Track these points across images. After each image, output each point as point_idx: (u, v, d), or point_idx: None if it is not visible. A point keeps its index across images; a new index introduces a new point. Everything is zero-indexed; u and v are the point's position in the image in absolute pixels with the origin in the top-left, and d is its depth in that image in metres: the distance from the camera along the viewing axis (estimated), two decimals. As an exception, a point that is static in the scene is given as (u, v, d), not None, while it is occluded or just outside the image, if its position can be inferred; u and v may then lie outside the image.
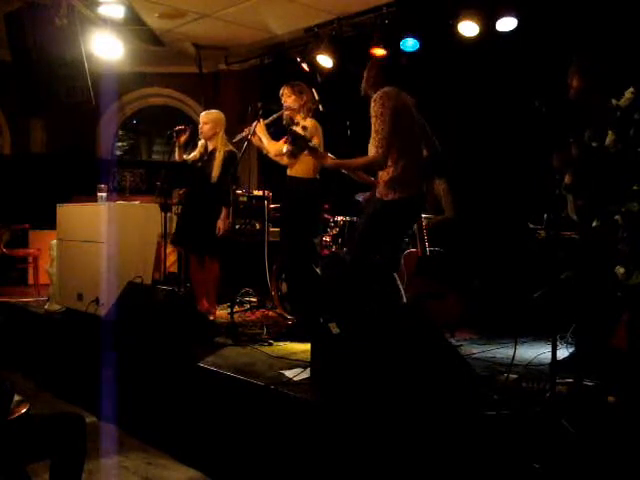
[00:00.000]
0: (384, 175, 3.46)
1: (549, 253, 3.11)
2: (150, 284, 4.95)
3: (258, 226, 5.51)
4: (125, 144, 9.51)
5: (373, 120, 3.42)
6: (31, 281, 7.18)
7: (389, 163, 3.44)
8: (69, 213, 5.47)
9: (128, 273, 4.70)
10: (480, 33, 5.54)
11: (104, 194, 5.22)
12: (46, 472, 2.26)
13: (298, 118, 4.40)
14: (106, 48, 6.44)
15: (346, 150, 3.79)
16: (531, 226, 3.90)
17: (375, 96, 3.45)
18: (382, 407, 2.64)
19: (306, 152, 3.80)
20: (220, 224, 4.73)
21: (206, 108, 5.55)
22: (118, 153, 9.26)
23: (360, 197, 5.03)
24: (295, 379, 3.23)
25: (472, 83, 5.55)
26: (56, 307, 5.40)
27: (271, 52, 7.53)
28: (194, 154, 4.99)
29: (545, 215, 3.07)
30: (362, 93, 3.66)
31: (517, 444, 2.36)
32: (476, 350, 4.07)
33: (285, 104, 4.44)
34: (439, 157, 3.78)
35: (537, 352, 3.90)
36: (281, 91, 4.49)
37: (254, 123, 4.46)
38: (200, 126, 4.91)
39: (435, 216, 5.14)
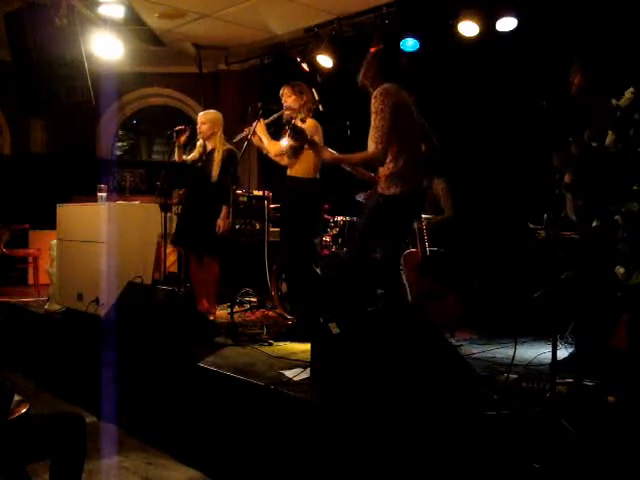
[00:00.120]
0: (384, 170, 3.47)
1: (549, 253, 3.11)
2: (150, 284, 4.95)
3: (258, 226, 5.51)
4: (125, 144, 9.51)
5: (373, 116, 3.43)
6: (31, 281, 7.18)
7: (389, 159, 3.45)
8: (69, 213, 5.47)
9: (128, 273, 4.70)
10: (480, 33, 5.54)
11: (104, 194, 5.22)
12: (46, 472, 2.26)
13: (298, 118, 4.40)
14: (106, 48, 6.44)
15: (346, 150, 3.78)
16: (531, 226, 3.90)
17: (375, 92, 3.46)
18: (382, 407, 2.64)
19: (306, 146, 3.80)
20: (220, 223, 4.73)
21: (206, 108, 5.56)
22: (118, 153, 9.26)
23: (360, 197, 5.04)
24: (295, 379, 3.23)
25: (472, 83, 5.55)
26: (56, 307, 5.40)
27: (271, 52, 7.53)
28: (193, 154, 4.99)
29: (545, 215, 3.07)
30: (359, 84, 3.66)
31: (517, 444, 2.36)
32: (476, 350, 4.07)
33: (285, 104, 4.44)
34: (437, 153, 3.78)
35: (537, 352, 3.90)
36: (281, 91, 4.49)
37: (254, 123, 4.46)
38: (198, 126, 4.91)
39: (435, 216, 5.14)
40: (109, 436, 3.78)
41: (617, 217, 2.82)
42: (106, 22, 6.38)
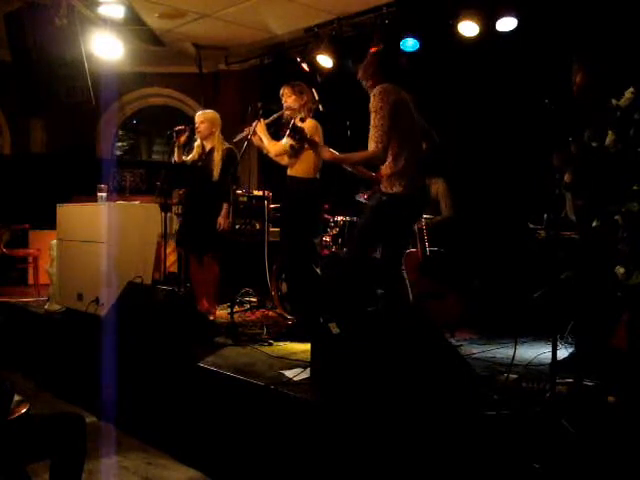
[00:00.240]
0: (385, 170, 3.47)
1: (549, 253, 3.11)
2: (150, 284, 4.95)
3: (258, 226, 5.51)
4: (125, 144, 9.51)
5: (372, 115, 3.43)
6: (31, 281, 7.18)
7: (389, 158, 3.45)
8: (69, 213, 5.47)
9: (128, 273, 4.70)
10: (480, 33, 5.54)
11: (104, 194, 5.22)
12: (46, 472, 2.26)
13: (298, 118, 4.40)
14: (106, 48, 6.44)
15: (346, 150, 3.78)
16: (531, 226, 3.90)
17: (374, 91, 3.46)
18: (382, 407, 2.64)
19: (306, 145, 3.80)
20: (221, 220, 4.75)
21: (206, 108, 5.55)
22: (118, 153, 9.26)
23: (361, 197, 5.04)
24: (295, 379, 3.23)
25: (472, 83, 5.55)
26: (56, 307, 5.40)
27: (271, 52, 7.53)
28: (192, 155, 4.99)
29: (545, 215, 3.07)
30: (358, 79, 3.67)
31: (517, 444, 2.36)
32: (476, 350, 4.07)
33: (285, 104, 4.44)
34: (438, 150, 3.78)
35: (537, 352, 3.90)
36: (281, 91, 4.49)
37: (254, 123, 4.46)
38: (196, 126, 4.91)
39: (434, 216, 5.14)
40: (109, 436, 3.78)
41: (617, 217, 2.82)
42: (106, 22, 6.38)
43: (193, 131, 4.96)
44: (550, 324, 2.86)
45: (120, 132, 9.25)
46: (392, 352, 2.82)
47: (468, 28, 5.56)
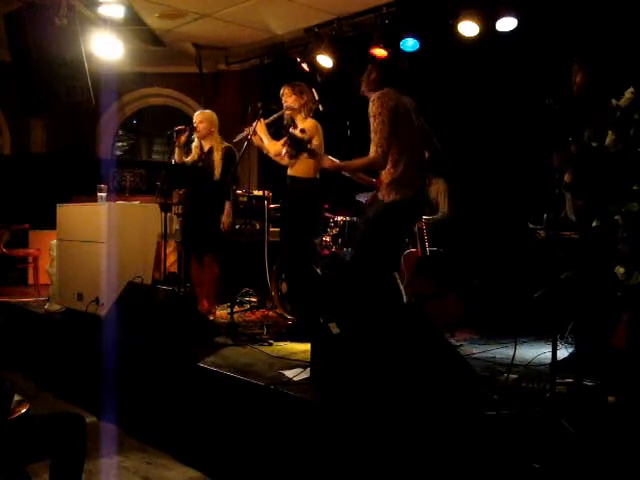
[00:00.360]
0: (385, 176, 3.46)
1: (549, 253, 3.11)
2: (150, 284, 4.95)
3: (258, 226, 5.51)
4: (125, 144, 9.51)
5: (371, 120, 3.42)
6: (31, 281, 7.18)
7: (389, 164, 3.44)
8: (69, 213, 5.47)
9: (128, 273, 4.71)
10: (480, 33, 5.54)
11: (104, 194, 5.22)
12: (46, 472, 2.26)
13: (298, 118, 4.40)
14: (106, 48, 6.44)
15: (346, 150, 3.79)
16: (531, 226, 3.90)
17: (373, 97, 3.45)
18: (382, 407, 2.64)
19: (305, 155, 3.81)
20: (225, 219, 4.76)
21: (206, 108, 5.56)
22: (118, 153, 9.26)
23: (361, 198, 5.05)
24: (295, 379, 3.23)
25: (472, 83, 5.55)
26: (56, 307, 5.40)
27: (271, 52, 7.53)
28: (192, 155, 4.98)
29: (545, 215, 3.07)
30: (361, 94, 3.66)
31: (517, 444, 2.36)
32: (476, 350, 4.07)
33: (285, 104, 4.44)
34: (440, 157, 3.78)
35: (537, 352, 3.89)
36: (281, 91, 4.49)
37: (254, 123, 4.46)
38: (195, 125, 4.91)
39: (433, 216, 5.14)
40: (109, 436, 3.78)
41: (617, 217, 2.82)
42: (106, 22, 6.38)
43: (193, 131, 4.96)
44: (550, 324, 2.86)
45: (120, 132, 9.24)
46: (392, 352, 2.82)
47: (468, 28, 5.56)
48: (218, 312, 5.12)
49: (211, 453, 3.37)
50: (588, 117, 3.33)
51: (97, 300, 4.80)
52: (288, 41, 7.28)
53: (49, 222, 5.81)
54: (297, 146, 3.73)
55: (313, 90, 4.51)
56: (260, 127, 4.45)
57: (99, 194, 5.21)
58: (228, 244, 4.84)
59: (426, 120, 3.73)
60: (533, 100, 3.46)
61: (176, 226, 5.71)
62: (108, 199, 5.26)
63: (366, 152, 3.53)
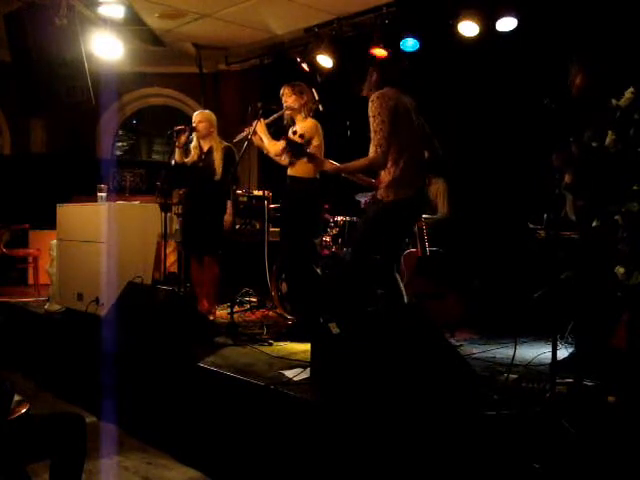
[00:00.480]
0: (385, 176, 3.46)
1: (549, 253, 3.11)
2: (150, 284, 4.95)
3: (258, 226, 5.52)
4: (125, 144, 9.51)
5: (371, 120, 3.42)
6: (31, 281, 7.18)
7: (389, 163, 3.44)
8: (69, 213, 5.47)
9: (128, 273, 4.70)
10: (480, 33, 5.54)
11: (104, 194, 5.22)
12: (46, 472, 2.26)
13: (298, 118, 4.40)
14: (106, 48, 6.44)
15: (346, 150, 3.78)
16: (531, 226, 3.91)
17: (373, 97, 3.45)
18: (382, 407, 2.64)
19: (305, 159, 3.81)
20: (228, 218, 4.78)
21: (206, 108, 5.56)
22: (118, 153, 9.26)
23: (362, 197, 5.04)
24: (295, 379, 3.23)
25: (472, 83, 5.55)
26: (56, 307, 5.40)
27: (271, 52, 7.53)
28: (191, 156, 4.98)
29: (545, 215, 3.07)
30: (362, 94, 3.66)
31: (517, 444, 2.36)
32: (476, 350, 4.07)
33: (285, 104, 4.44)
34: (440, 158, 3.78)
35: (537, 352, 3.89)
36: (281, 91, 4.49)
37: (254, 123, 4.46)
38: (195, 125, 4.90)
39: (432, 216, 5.14)
40: (109, 436, 3.78)
41: (617, 217, 2.82)
42: (106, 22, 6.38)
43: (192, 131, 4.96)
44: (550, 324, 2.86)
45: (120, 132, 9.24)
46: (392, 352, 2.82)
47: (468, 28, 5.56)
48: (218, 312, 5.12)
49: (211, 453, 3.37)
50: (588, 117, 3.33)
51: (97, 300, 4.80)
52: (288, 41, 7.28)
53: (49, 222, 5.81)
54: (296, 151, 3.73)
55: (313, 90, 4.52)
56: (260, 127, 4.45)
57: (99, 194, 5.21)
58: (228, 244, 4.85)
59: (426, 120, 3.73)
60: (533, 100, 3.45)
61: (176, 226, 5.72)
62: (108, 199, 5.26)
63: (366, 152, 3.53)
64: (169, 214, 5.31)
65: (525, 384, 3.11)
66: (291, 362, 3.64)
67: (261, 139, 4.51)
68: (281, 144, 4.32)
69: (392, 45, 5.83)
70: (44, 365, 5.00)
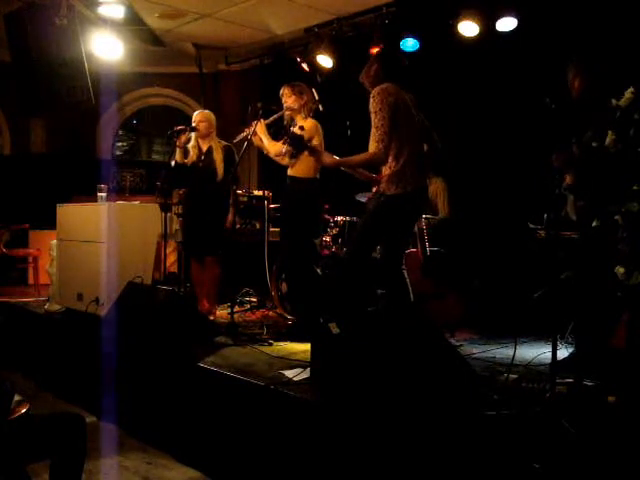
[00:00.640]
0: (386, 170, 3.47)
1: (549, 253, 3.11)
2: (150, 284, 4.95)
3: (258, 226, 5.51)
4: (125, 144, 9.51)
5: (372, 116, 3.43)
6: (31, 281, 7.18)
7: (390, 158, 3.45)
8: (69, 213, 5.47)
9: (128, 273, 4.71)
10: (480, 33, 5.54)
11: (104, 194, 5.22)
12: (46, 472, 2.26)
13: (298, 118, 4.40)
14: (106, 48, 6.44)
15: (346, 150, 3.78)
16: (531, 226, 3.90)
17: (373, 92, 3.46)
18: (382, 407, 2.64)
19: (306, 153, 3.81)
20: (230, 217, 4.81)
21: (206, 108, 5.56)
22: (118, 153, 9.26)
23: (361, 197, 5.04)
24: (295, 379, 3.23)
25: (472, 83, 5.55)
26: (56, 307, 5.40)
27: (271, 52, 7.53)
28: (191, 156, 4.97)
29: (545, 215, 3.07)
30: (360, 81, 3.67)
31: (517, 444, 2.36)
32: (476, 350, 4.07)
33: (285, 104, 4.44)
34: (439, 152, 3.78)
35: (537, 352, 3.90)
36: (281, 91, 4.49)
37: (254, 123, 4.46)
38: (196, 124, 4.90)
39: (432, 217, 5.14)
40: (109, 436, 3.78)
41: (617, 217, 2.82)
42: (106, 22, 6.38)
43: (193, 130, 4.96)
44: (550, 324, 2.86)
45: (120, 132, 9.25)
46: (392, 352, 2.82)
47: (468, 28, 5.56)
48: (218, 312, 5.12)
49: (211, 453, 3.37)
50: (588, 118, 3.33)
51: (97, 300, 4.80)
52: (288, 41, 7.28)
53: (49, 222, 5.81)
54: (297, 144, 3.73)
55: (313, 90, 4.51)
56: (260, 127, 4.45)
57: (99, 194, 5.20)
58: (228, 244, 4.85)
59: (426, 119, 3.73)
60: (533, 100, 3.45)
61: (176, 226, 5.71)
62: (108, 199, 5.25)
63: (366, 150, 3.53)
64: (169, 214, 5.31)
65: (525, 384, 3.11)
66: (291, 362, 3.64)
67: (261, 139, 4.51)
68: (281, 144, 4.33)
69: (392, 45, 5.83)
70: (44, 365, 5.00)
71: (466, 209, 5.35)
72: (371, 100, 3.44)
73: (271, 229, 5.32)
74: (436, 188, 5.27)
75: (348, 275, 3.63)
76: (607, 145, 2.85)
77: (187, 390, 3.62)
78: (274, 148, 4.46)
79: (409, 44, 5.93)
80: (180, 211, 5.53)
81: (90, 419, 3.86)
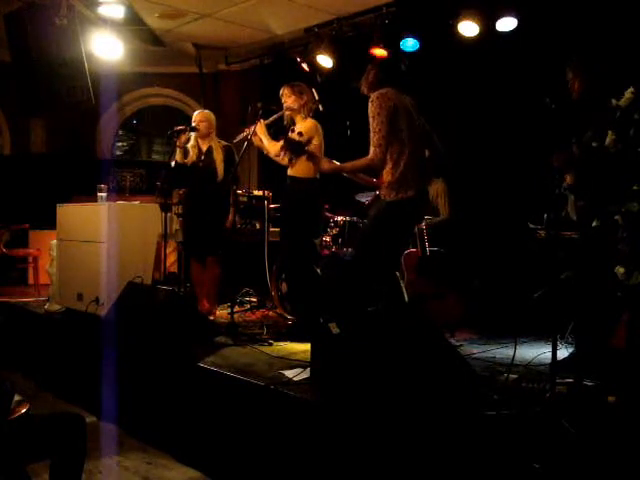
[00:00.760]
0: (386, 176, 3.46)
1: (549, 253, 3.11)
2: (150, 284, 4.95)
3: (258, 226, 5.51)
4: (125, 144, 9.51)
5: (370, 120, 3.42)
6: (31, 281, 7.18)
7: (389, 164, 3.44)
8: (69, 213, 5.47)
9: (128, 273, 4.71)
10: (480, 33, 5.54)
11: (104, 194, 5.22)
12: (46, 472, 2.26)
13: (298, 118, 4.40)
14: (106, 48, 6.44)
15: (346, 150, 3.78)
16: (531, 226, 3.90)
17: (372, 97, 3.45)
18: (382, 407, 2.64)
19: (305, 158, 3.81)
20: (231, 217, 4.83)
21: (206, 108, 5.56)
22: (118, 153, 9.26)
23: (361, 198, 5.04)
24: (295, 379, 3.23)
25: (472, 83, 5.55)
26: (56, 307, 5.40)
27: (271, 52, 7.53)
28: (190, 156, 4.97)
29: (545, 215, 3.07)
30: (360, 91, 3.67)
31: (517, 444, 2.36)
32: (476, 350, 4.07)
33: (285, 104, 4.44)
34: (442, 157, 3.78)
35: (537, 352, 3.90)
36: (281, 91, 4.49)
37: (255, 123, 4.46)
38: (196, 124, 4.90)
39: (433, 217, 5.14)
40: (109, 436, 3.78)
41: (617, 217, 2.82)
42: (106, 22, 6.38)
43: (193, 130, 4.96)
44: (550, 324, 2.86)
45: (120, 132, 9.25)
46: (392, 352, 2.82)
47: (468, 28, 5.56)
48: (218, 312, 5.12)
49: (211, 453, 3.37)
50: (588, 118, 3.33)
51: (97, 300, 4.80)
52: (288, 41, 7.28)
53: (49, 222, 5.81)
54: (295, 150, 3.74)
55: (313, 90, 4.51)
56: (260, 128, 4.45)
57: (99, 194, 5.20)
58: (228, 244, 4.85)
59: (426, 120, 3.72)
60: (533, 100, 3.45)
61: (176, 226, 5.71)
62: (108, 199, 5.25)
63: (366, 152, 3.53)
64: (169, 214, 5.30)
65: (525, 384, 3.11)
66: (291, 362, 3.64)
67: (261, 140, 4.50)
68: (281, 144, 4.33)
69: (392, 45, 5.83)
70: (44, 365, 5.00)
71: (466, 209, 5.35)
72: (370, 105, 3.44)
73: (271, 229, 5.32)
74: (437, 189, 5.26)
75: (349, 277, 3.64)
76: (607, 145, 2.85)
77: (187, 390, 3.62)
78: (274, 148, 4.45)
79: (409, 44, 5.92)
80: (180, 211, 5.53)
81: (90, 419, 3.86)
